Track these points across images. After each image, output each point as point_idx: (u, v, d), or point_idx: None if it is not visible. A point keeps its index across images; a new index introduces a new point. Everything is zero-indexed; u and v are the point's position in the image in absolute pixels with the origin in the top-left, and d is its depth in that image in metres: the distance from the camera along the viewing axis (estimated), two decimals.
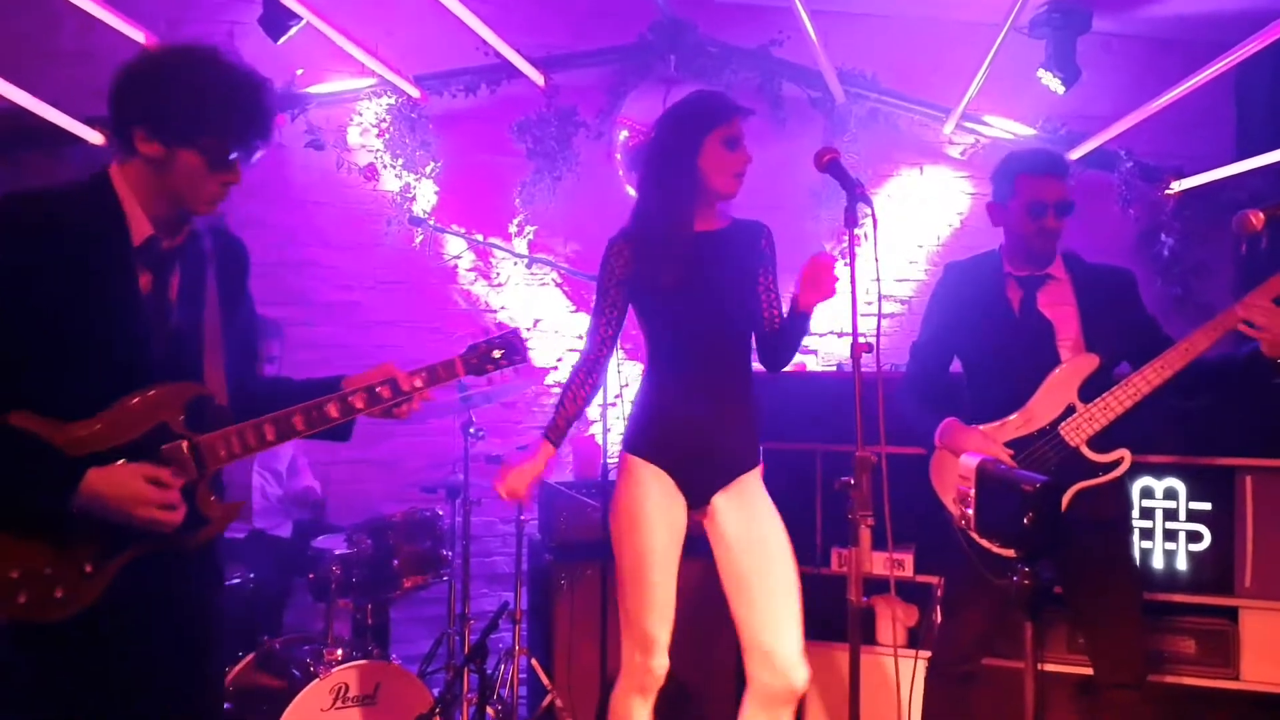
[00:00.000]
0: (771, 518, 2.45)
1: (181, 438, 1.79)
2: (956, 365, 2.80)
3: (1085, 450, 2.52)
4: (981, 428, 2.59)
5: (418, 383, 2.00)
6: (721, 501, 2.47)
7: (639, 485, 2.46)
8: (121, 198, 1.79)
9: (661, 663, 2.52)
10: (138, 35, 3.53)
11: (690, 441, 2.44)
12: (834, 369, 4.52)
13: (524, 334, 2.22)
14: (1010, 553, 2.40)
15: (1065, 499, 2.45)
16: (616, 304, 2.51)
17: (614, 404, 4.15)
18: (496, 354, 2.14)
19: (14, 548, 1.68)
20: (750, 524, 2.45)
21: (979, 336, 2.66)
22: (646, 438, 2.49)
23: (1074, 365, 2.56)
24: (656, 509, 2.45)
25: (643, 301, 2.49)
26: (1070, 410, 2.53)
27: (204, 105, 1.73)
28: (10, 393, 1.69)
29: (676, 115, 2.43)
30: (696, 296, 2.40)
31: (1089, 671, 2.70)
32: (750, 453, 2.48)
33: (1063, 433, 2.53)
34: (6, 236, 1.70)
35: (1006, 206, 2.65)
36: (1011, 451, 2.53)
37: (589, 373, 2.52)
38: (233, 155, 1.78)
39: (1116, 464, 2.51)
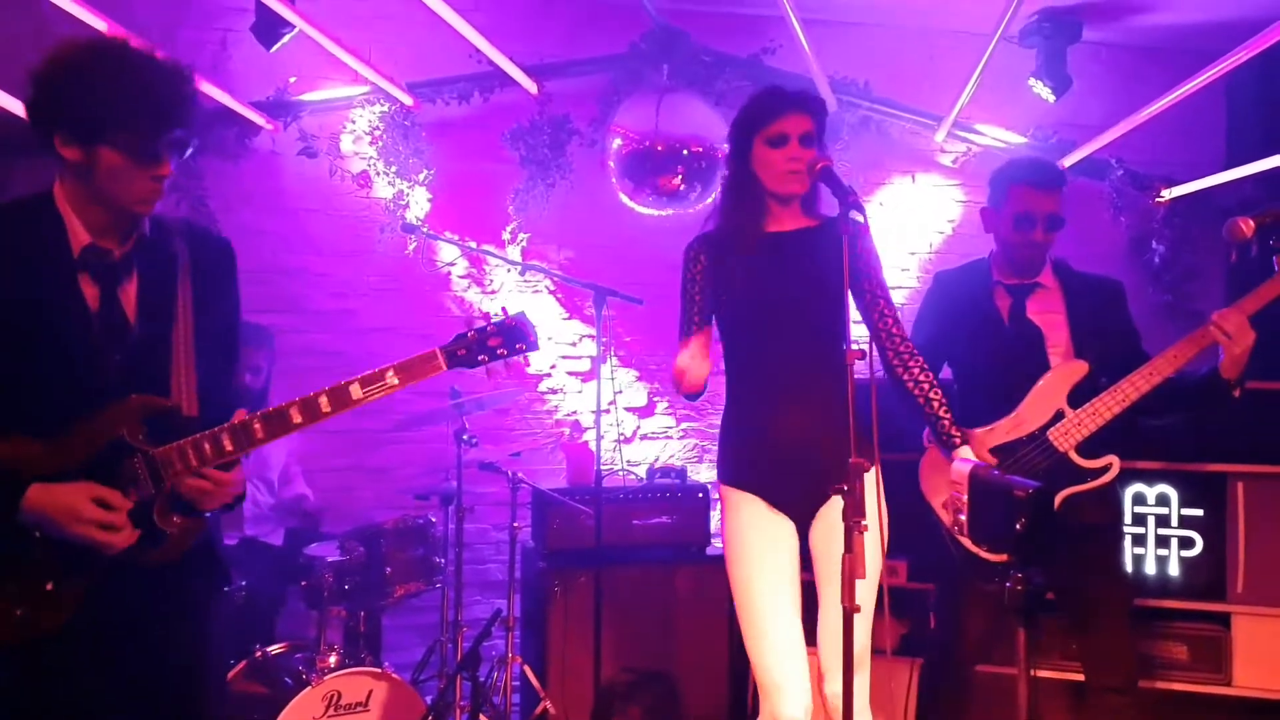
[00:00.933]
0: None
1: (137, 453, 1.74)
2: (946, 372, 2.81)
3: (1074, 456, 2.53)
4: (971, 432, 2.60)
5: (392, 378, 1.85)
6: (822, 514, 2.32)
7: (737, 518, 2.32)
8: (61, 210, 1.75)
9: (795, 706, 2.23)
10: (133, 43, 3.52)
11: (781, 459, 2.28)
12: None
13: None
14: (998, 558, 2.42)
15: (1054, 504, 2.46)
16: (703, 309, 2.38)
17: (607, 410, 4.15)
18: (493, 342, 1.93)
19: None
20: (828, 542, 2.26)
21: (968, 344, 2.68)
22: (735, 463, 2.35)
23: (1063, 371, 2.57)
24: (760, 540, 2.28)
25: (721, 311, 2.37)
26: (1059, 416, 2.54)
27: (111, 99, 1.66)
28: None
29: (734, 121, 2.39)
30: (774, 300, 2.29)
31: (1081, 677, 2.71)
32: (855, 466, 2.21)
33: (1052, 438, 2.54)
34: None
35: (999, 212, 2.66)
36: (996, 459, 2.54)
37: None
38: (155, 148, 1.71)
39: (1105, 469, 2.52)
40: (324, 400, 1.83)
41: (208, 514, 1.83)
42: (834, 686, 2.20)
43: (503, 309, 1.98)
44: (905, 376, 2.36)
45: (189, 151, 1.79)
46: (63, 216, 1.75)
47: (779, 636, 2.25)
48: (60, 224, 1.74)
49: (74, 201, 1.75)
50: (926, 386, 2.37)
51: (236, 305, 1.99)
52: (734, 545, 2.31)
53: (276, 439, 1.82)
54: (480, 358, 1.93)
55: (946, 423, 2.37)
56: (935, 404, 2.36)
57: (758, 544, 2.28)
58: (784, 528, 2.31)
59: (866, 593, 2.17)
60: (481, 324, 1.94)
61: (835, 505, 2.19)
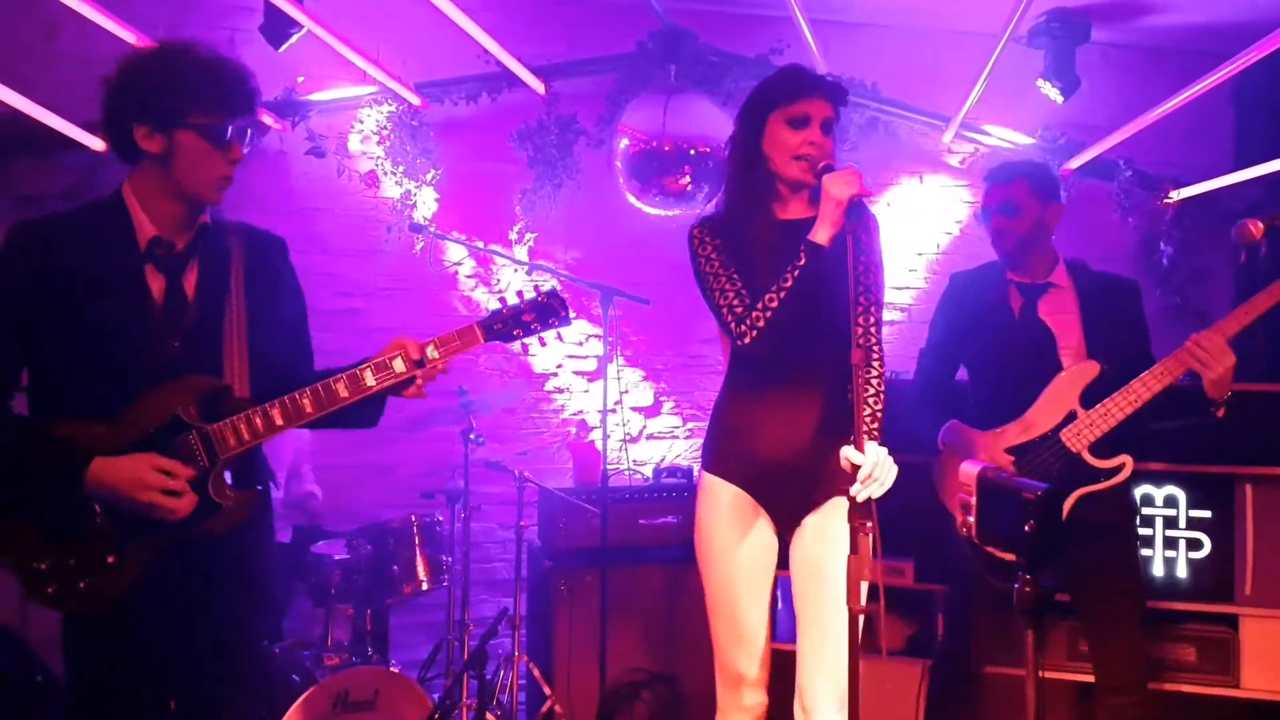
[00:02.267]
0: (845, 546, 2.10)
1: (190, 429, 1.85)
2: (963, 373, 2.82)
3: (1087, 456, 2.53)
4: (984, 434, 2.60)
5: (431, 351, 1.97)
6: (809, 523, 2.23)
7: (716, 507, 2.24)
8: (130, 208, 1.88)
9: (755, 700, 2.27)
10: (136, 41, 3.54)
11: (773, 458, 2.19)
12: None
13: (522, 348, 2.10)
14: (1012, 556, 2.41)
15: (1067, 505, 2.46)
16: (733, 277, 2.16)
17: (613, 410, 4.16)
18: (527, 317, 2.04)
19: (42, 542, 1.79)
20: (821, 548, 2.18)
21: (982, 344, 2.68)
22: (722, 454, 2.26)
23: (1076, 372, 2.57)
24: (736, 533, 2.22)
25: None
26: (1072, 416, 2.54)
27: (188, 84, 1.83)
28: (54, 399, 1.83)
29: (746, 98, 2.25)
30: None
31: (1089, 679, 2.70)
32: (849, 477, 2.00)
33: (1064, 439, 2.53)
34: (21, 260, 1.82)
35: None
36: (1012, 459, 2.54)
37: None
38: (228, 130, 1.86)
39: (1118, 469, 2.52)
40: (368, 374, 1.93)
41: (260, 488, 1.97)
42: (815, 692, 2.14)
43: (535, 286, 2.07)
44: (871, 373, 2.18)
45: (251, 140, 1.93)
46: (130, 212, 1.88)
47: (748, 630, 2.23)
48: (128, 219, 1.88)
49: (146, 197, 1.89)
50: (875, 387, 2.18)
51: (299, 294, 2.13)
52: (713, 534, 2.25)
53: (325, 412, 1.91)
54: (515, 332, 2.05)
55: (865, 426, 2.09)
56: (877, 410, 2.15)
57: (735, 537, 2.22)
58: (765, 526, 2.24)
59: (840, 608, 1.93)
60: (516, 301, 2.05)
61: (822, 517, 2.20)
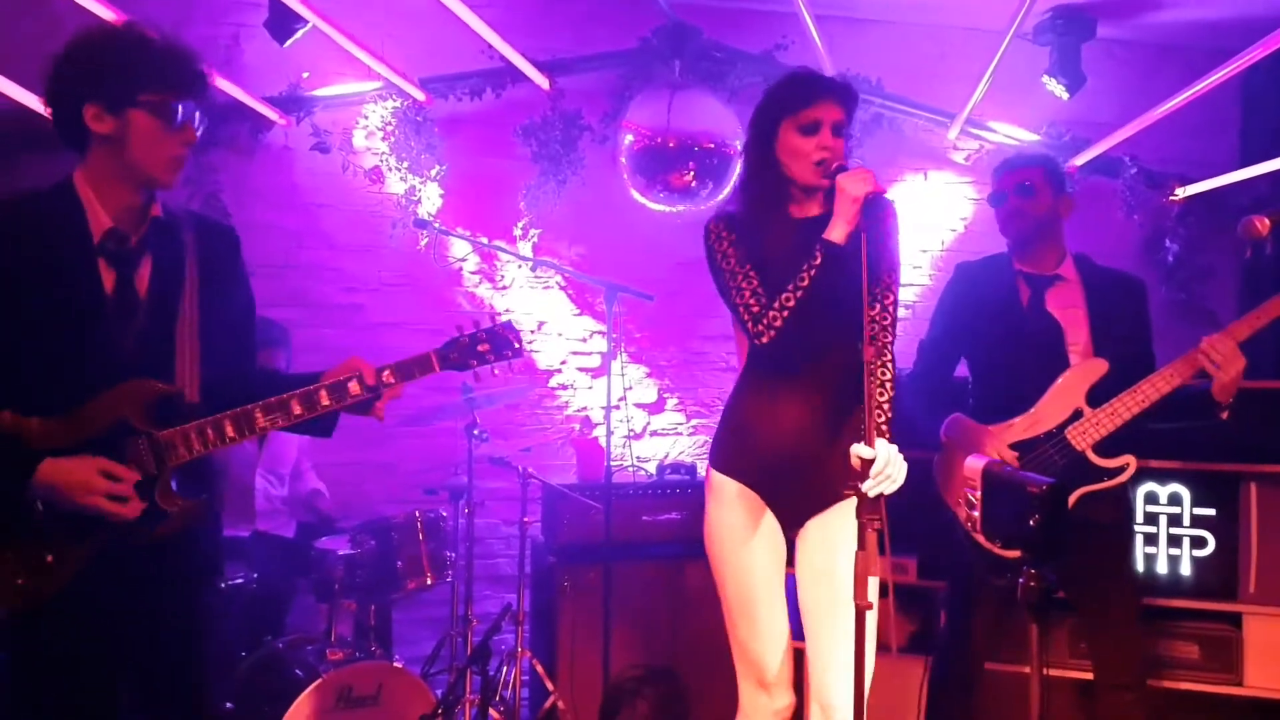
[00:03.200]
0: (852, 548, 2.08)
1: (141, 434, 1.82)
2: (963, 369, 2.81)
3: (1091, 455, 2.52)
4: (988, 428, 2.60)
5: (387, 377, 1.95)
6: (814, 525, 2.22)
7: (726, 506, 2.23)
8: (82, 196, 1.83)
9: (784, 702, 2.22)
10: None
11: (781, 456, 2.17)
12: None
13: (517, 325, 2.10)
14: (1013, 554, 2.41)
15: (1069, 502, 2.45)
16: (749, 273, 2.15)
17: (617, 406, 4.16)
18: (482, 348, 2.06)
19: None
20: (829, 554, 2.17)
21: (988, 335, 2.67)
22: (730, 451, 2.24)
23: (1083, 369, 2.56)
24: (748, 531, 2.20)
25: None
26: (1078, 414, 2.54)
27: (138, 65, 1.80)
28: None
29: (759, 102, 2.24)
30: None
31: (1088, 675, 2.70)
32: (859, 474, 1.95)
33: (1069, 437, 2.53)
34: None
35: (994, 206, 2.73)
36: (1017, 454, 2.54)
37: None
38: (179, 110, 1.82)
39: (1122, 469, 2.52)
40: (323, 395, 1.93)
41: (205, 496, 1.92)
42: (831, 694, 2.13)
43: (491, 317, 2.10)
44: (882, 371, 2.16)
45: (200, 129, 1.88)
46: (83, 202, 1.83)
47: (771, 628, 2.19)
48: (81, 209, 1.82)
49: (98, 183, 1.83)
50: (886, 385, 2.15)
51: (248, 292, 2.06)
52: (726, 535, 2.22)
53: (278, 428, 1.90)
54: (470, 361, 2.06)
55: (880, 422, 2.12)
56: (881, 404, 2.13)
57: (747, 534, 2.20)
58: (773, 523, 2.23)
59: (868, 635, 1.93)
60: (471, 330, 2.07)
61: (830, 517, 2.18)
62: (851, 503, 2.03)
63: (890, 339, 2.20)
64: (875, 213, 2.01)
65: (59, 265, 1.79)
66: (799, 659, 2.31)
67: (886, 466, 1.92)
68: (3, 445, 1.76)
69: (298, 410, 1.90)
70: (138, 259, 1.86)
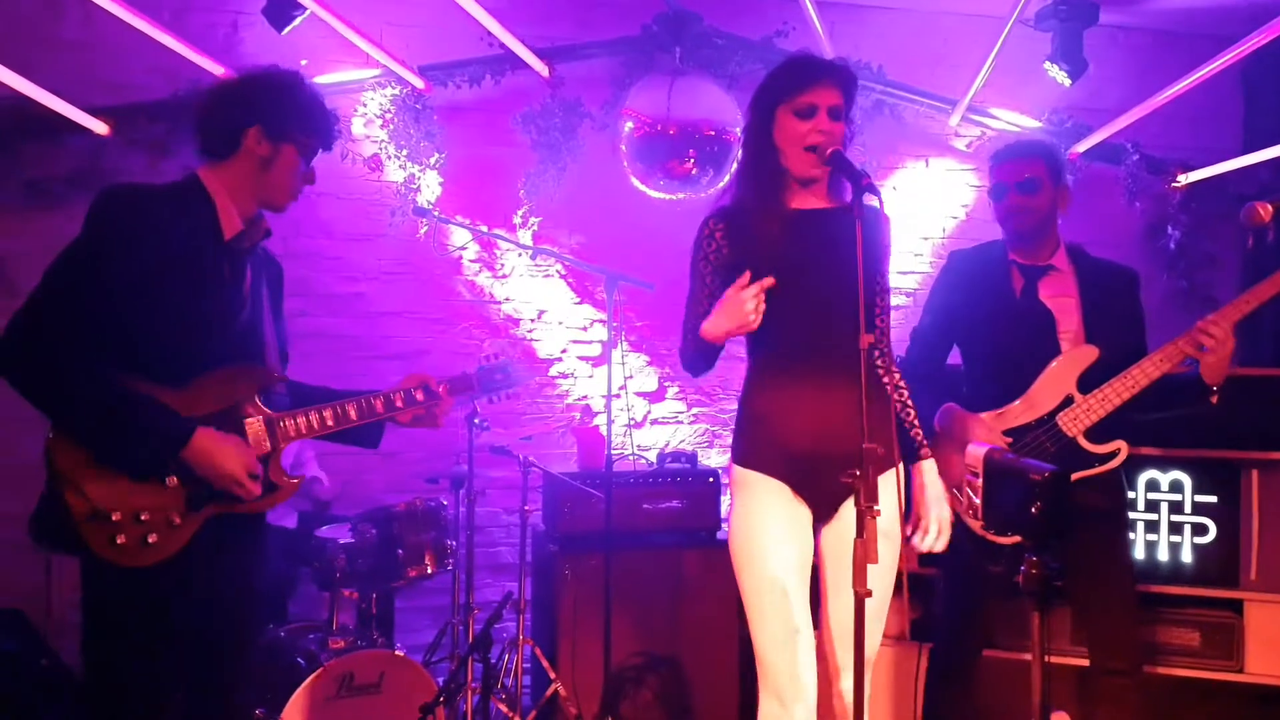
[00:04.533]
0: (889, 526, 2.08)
1: (255, 415, 2.07)
2: (955, 358, 2.81)
3: (1082, 441, 2.52)
4: (980, 416, 2.59)
5: (443, 390, 2.35)
6: (846, 509, 2.16)
7: (756, 503, 2.16)
8: (214, 195, 2.05)
9: (807, 707, 2.11)
10: (142, 25, 3.52)
11: (807, 446, 2.12)
12: None
13: (516, 316, 2.41)
14: (1008, 540, 2.41)
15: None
16: (715, 292, 2.17)
17: (618, 395, 4.15)
18: (499, 376, 2.53)
19: (121, 493, 1.91)
20: (848, 537, 2.03)
21: (980, 323, 2.67)
22: (756, 447, 2.18)
23: (1073, 356, 2.56)
24: (779, 529, 2.13)
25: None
26: (1069, 401, 2.54)
27: (304, 107, 2.10)
28: (125, 358, 1.92)
29: (757, 89, 2.21)
30: (797, 280, 2.11)
31: (1084, 662, 2.71)
32: (880, 456, 1.89)
33: (1060, 423, 2.53)
34: (121, 220, 1.94)
35: (989, 195, 2.71)
36: (1009, 440, 2.54)
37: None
38: (314, 155, 2.13)
39: (1113, 455, 2.52)
40: (398, 398, 2.30)
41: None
42: (846, 683, 2.15)
43: (493, 351, 2.57)
44: (886, 380, 2.22)
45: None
46: (215, 201, 2.05)
47: (795, 631, 2.11)
48: (213, 207, 2.04)
49: (232, 190, 2.07)
50: (906, 393, 2.27)
51: (284, 322, 2.31)
52: (752, 532, 2.15)
53: (364, 421, 2.24)
54: (477, 396, 2.49)
55: (919, 435, 2.27)
56: (912, 414, 2.29)
57: (780, 533, 2.13)
58: (805, 518, 2.16)
59: (878, 598, 1.96)
60: (479, 364, 2.51)
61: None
62: (884, 479, 2.02)
63: (886, 346, 2.23)
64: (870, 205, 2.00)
65: (196, 252, 1.99)
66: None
67: (941, 524, 2.07)
68: (164, 412, 1.93)
69: (380, 409, 2.25)
70: (248, 261, 2.11)
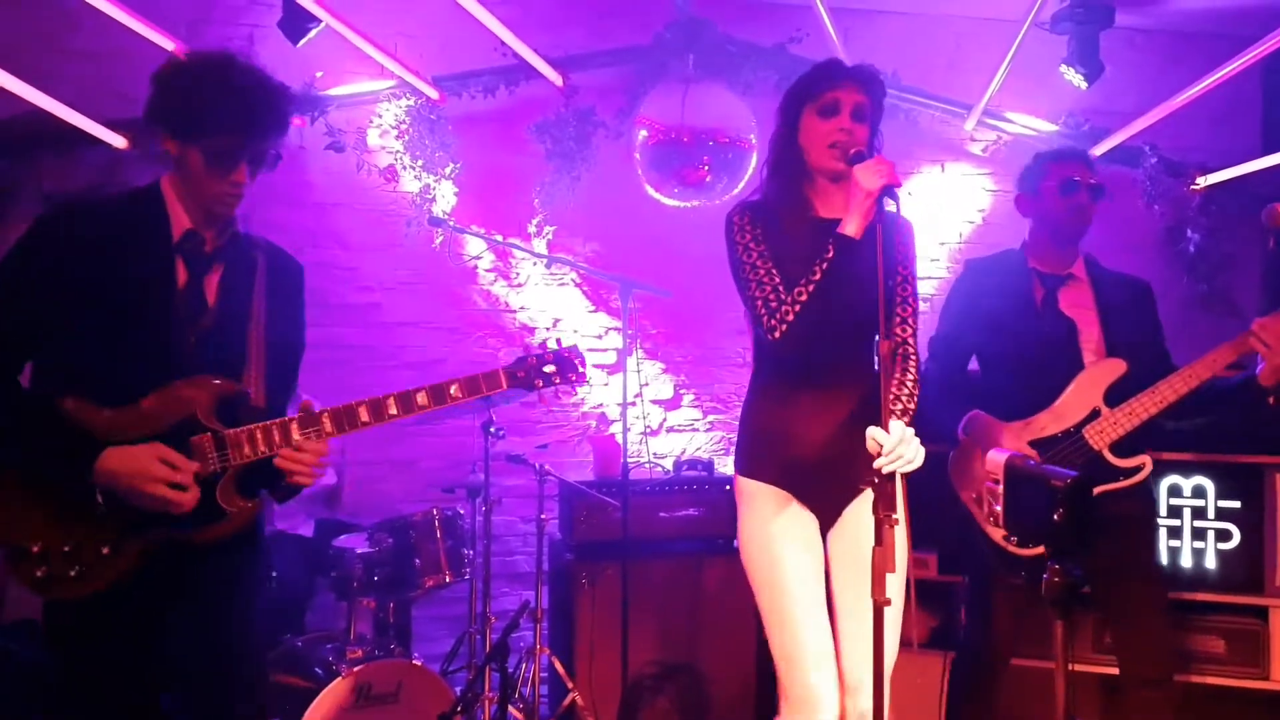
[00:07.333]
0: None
1: (207, 430, 1.86)
2: (972, 365, 2.79)
3: (1108, 454, 2.50)
4: (1008, 425, 2.57)
5: (454, 391, 2.02)
6: (849, 513, 2.19)
7: (763, 514, 2.16)
8: (166, 197, 1.93)
9: (828, 718, 2.09)
10: (157, 38, 3.55)
11: (813, 455, 2.13)
12: None
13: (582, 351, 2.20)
14: (1026, 551, 2.39)
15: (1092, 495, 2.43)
16: (768, 257, 2.13)
17: (633, 403, 4.15)
18: (549, 369, 2.14)
19: (39, 525, 1.78)
20: (860, 540, 2.11)
21: (1001, 332, 2.65)
22: (755, 455, 2.19)
23: (1101, 369, 2.54)
24: (792, 538, 2.13)
25: None
26: (1095, 414, 2.52)
27: (201, 107, 1.85)
28: (63, 376, 1.82)
29: (785, 94, 2.25)
30: (820, 289, 2.06)
31: (1114, 671, 2.68)
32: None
33: (1087, 436, 2.51)
34: (52, 237, 1.84)
35: (1038, 192, 2.66)
36: (1036, 452, 2.52)
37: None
38: (232, 156, 1.87)
39: (1138, 469, 2.50)
40: (391, 403, 1.99)
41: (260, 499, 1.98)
42: (863, 704, 2.08)
43: (558, 340, 2.19)
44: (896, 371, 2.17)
45: (272, 162, 1.96)
46: (166, 203, 1.92)
47: (815, 642, 2.10)
48: (163, 210, 1.92)
49: (179, 191, 1.93)
50: (909, 383, 2.16)
51: (302, 326, 2.14)
52: (762, 544, 2.15)
53: (343, 434, 1.96)
54: (536, 381, 2.13)
55: (889, 407, 2.06)
56: (904, 399, 2.12)
57: (790, 543, 2.13)
58: (812, 525, 2.17)
59: (895, 599, 1.94)
60: (539, 351, 2.16)
61: (862, 505, 2.14)
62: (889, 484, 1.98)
63: (912, 344, 2.19)
64: (892, 208, 1.98)
65: (138, 258, 1.86)
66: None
67: (899, 445, 1.90)
68: (68, 434, 1.78)
69: (365, 418, 1.96)
70: (210, 263, 1.94)
